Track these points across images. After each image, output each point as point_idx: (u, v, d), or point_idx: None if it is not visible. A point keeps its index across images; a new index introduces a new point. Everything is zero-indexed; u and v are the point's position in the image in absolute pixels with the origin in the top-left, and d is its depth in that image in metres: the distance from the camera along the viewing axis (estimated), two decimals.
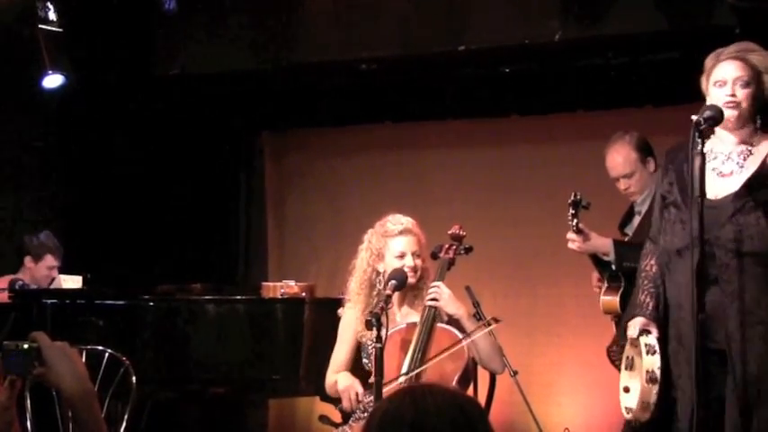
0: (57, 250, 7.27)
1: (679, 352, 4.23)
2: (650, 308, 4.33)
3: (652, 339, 4.27)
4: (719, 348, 4.15)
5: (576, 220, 5.35)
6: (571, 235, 5.38)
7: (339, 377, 4.91)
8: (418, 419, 2.06)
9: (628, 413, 4.32)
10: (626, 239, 5.65)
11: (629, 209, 5.67)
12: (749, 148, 4.27)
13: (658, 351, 4.24)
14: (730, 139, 4.29)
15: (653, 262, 4.42)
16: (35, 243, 7.27)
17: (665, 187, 4.43)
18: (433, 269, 5.04)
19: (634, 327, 4.33)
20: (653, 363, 4.23)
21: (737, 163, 4.25)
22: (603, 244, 5.40)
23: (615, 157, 5.56)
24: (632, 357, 4.35)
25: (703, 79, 4.34)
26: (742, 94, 4.21)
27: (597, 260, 5.52)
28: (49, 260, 7.22)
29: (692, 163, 4.11)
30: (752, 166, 4.23)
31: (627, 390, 4.34)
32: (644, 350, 4.25)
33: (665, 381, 4.24)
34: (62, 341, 2.60)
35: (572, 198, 5.34)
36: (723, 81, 4.23)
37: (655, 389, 4.21)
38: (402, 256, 4.96)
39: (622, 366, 4.41)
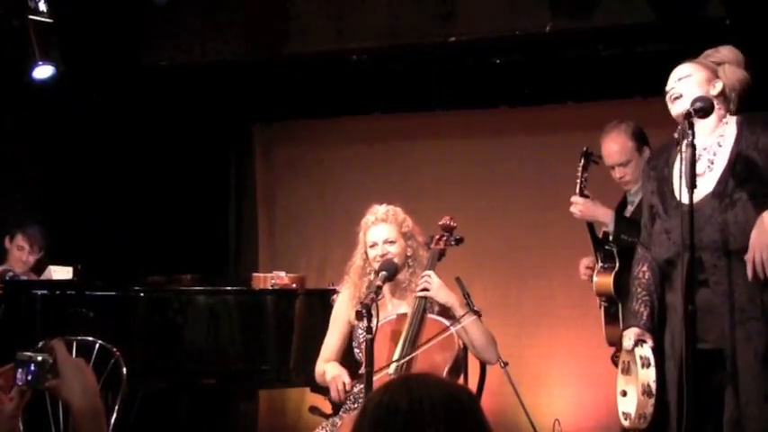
0: (30, 235, 7.17)
1: (671, 356, 4.23)
2: (644, 317, 4.32)
3: (646, 351, 4.27)
4: (712, 348, 4.14)
5: (585, 174, 5.38)
6: (576, 198, 5.37)
7: (327, 367, 4.93)
8: (412, 409, 2.06)
9: (625, 419, 4.30)
10: None
11: (623, 199, 5.67)
12: (717, 141, 4.24)
13: (653, 363, 4.23)
14: (700, 135, 4.27)
15: (645, 268, 4.39)
16: (14, 225, 7.23)
17: (647, 196, 4.43)
18: (424, 259, 5.03)
19: (629, 338, 4.32)
20: (647, 376, 4.23)
21: (708, 159, 4.22)
22: (605, 213, 5.40)
23: (611, 145, 5.56)
24: (628, 362, 4.35)
25: None
26: (680, 86, 4.26)
27: (594, 237, 5.53)
28: (19, 240, 7.14)
29: (673, 168, 4.12)
30: (721, 162, 4.19)
31: (624, 393, 4.34)
32: (639, 363, 4.25)
33: (660, 388, 4.24)
34: (78, 358, 2.60)
35: (583, 149, 5.41)
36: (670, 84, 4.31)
37: (651, 401, 4.21)
38: (373, 245, 4.99)
39: (618, 370, 4.40)
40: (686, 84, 4.26)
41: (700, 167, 4.17)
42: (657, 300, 4.34)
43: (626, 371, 4.35)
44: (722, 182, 4.16)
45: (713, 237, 4.11)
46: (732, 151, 4.18)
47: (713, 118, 4.20)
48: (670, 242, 4.20)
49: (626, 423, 4.32)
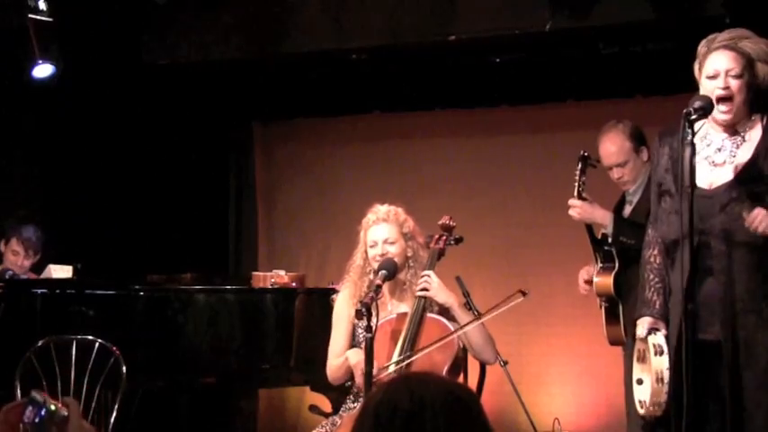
0: (26, 239, 7.08)
1: (672, 338, 4.24)
2: (657, 306, 4.32)
3: (660, 339, 4.27)
4: (714, 340, 4.15)
5: (583, 178, 5.38)
6: (574, 201, 5.38)
7: (349, 354, 4.87)
8: (413, 408, 2.06)
9: (641, 407, 4.31)
10: None
11: (621, 198, 5.67)
12: (742, 135, 4.25)
13: (666, 351, 4.24)
14: (724, 129, 4.28)
15: (656, 252, 4.39)
16: (10, 226, 7.17)
17: (660, 173, 4.41)
18: (424, 259, 5.02)
19: (642, 326, 4.32)
20: (661, 363, 4.23)
21: (730, 152, 4.24)
22: (603, 215, 5.41)
23: (609, 146, 5.56)
24: (643, 350, 4.35)
25: (696, 65, 4.33)
26: (735, 85, 4.18)
27: (593, 237, 5.53)
28: (14, 244, 7.07)
29: (682, 153, 4.12)
30: (744, 154, 4.21)
31: (640, 382, 4.34)
32: (652, 351, 4.25)
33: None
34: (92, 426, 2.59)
35: (581, 154, 5.42)
36: (716, 73, 4.21)
37: (664, 388, 4.21)
38: (374, 245, 4.96)
39: (634, 359, 4.40)
40: (738, 84, 4.22)
41: (720, 157, 4.24)
42: (669, 284, 4.34)
43: (641, 359, 4.35)
44: (740, 175, 4.18)
45: (723, 225, 4.14)
46: (754, 151, 4.21)
47: (743, 112, 4.22)
48: (679, 223, 4.20)
49: (641, 411, 4.33)
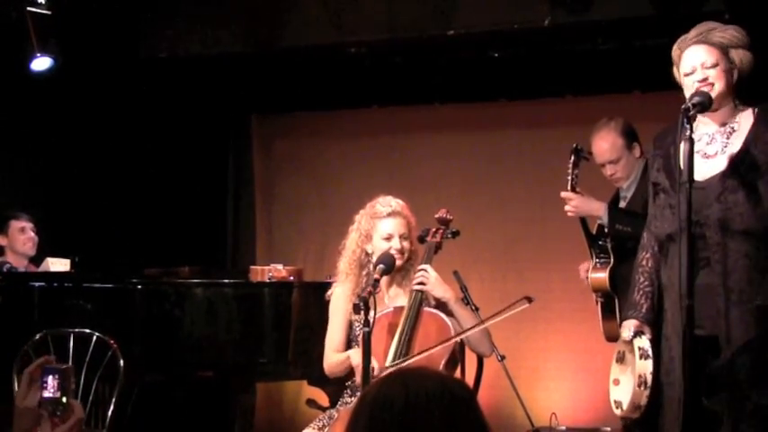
0: (25, 217, 7.20)
1: (671, 337, 4.24)
2: (644, 309, 4.33)
3: (645, 342, 4.27)
4: (711, 335, 4.15)
5: (575, 171, 5.39)
6: (567, 194, 5.37)
7: (351, 353, 4.85)
8: (408, 403, 2.06)
9: (617, 407, 4.32)
10: None
11: (615, 194, 5.68)
12: (731, 126, 4.27)
13: (651, 355, 4.24)
14: (712, 121, 4.29)
15: (648, 255, 4.40)
16: (3, 216, 7.22)
17: (653, 173, 4.44)
18: (420, 253, 5.02)
19: (628, 329, 4.33)
20: (645, 367, 4.23)
21: (721, 143, 4.26)
22: (598, 206, 5.42)
23: (601, 143, 5.58)
24: (623, 352, 4.36)
25: (674, 70, 4.37)
26: (713, 74, 4.22)
27: (587, 233, 5.54)
28: (14, 225, 7.16)
29: (680, 149, 4.13)
30: (736, 143, 4.22)
31: (617, 382, 4.35)
32: (637, 354, 4.25)
33: (656, 378, 4.24)
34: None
35: (573, 146, 5.44)
36: (692, 69, 4.25)
37: (646, 393, 4.21)
38: (389, 238, 4.94)
39: (613, 359, 4.41)
40: (716, 73, 4.24)
41: (711, 149, 4.26)
42: (658, 288, 4.34)
43: (621, 360, 4.37)
44: (733, 164, 4.19)
45: (718, 215, 4.14)
46: (745, 141, 4.21)
47: (727, 98, 4.24)
48: (674, 217, 4.21)
49: (617, 411, 4.33)
